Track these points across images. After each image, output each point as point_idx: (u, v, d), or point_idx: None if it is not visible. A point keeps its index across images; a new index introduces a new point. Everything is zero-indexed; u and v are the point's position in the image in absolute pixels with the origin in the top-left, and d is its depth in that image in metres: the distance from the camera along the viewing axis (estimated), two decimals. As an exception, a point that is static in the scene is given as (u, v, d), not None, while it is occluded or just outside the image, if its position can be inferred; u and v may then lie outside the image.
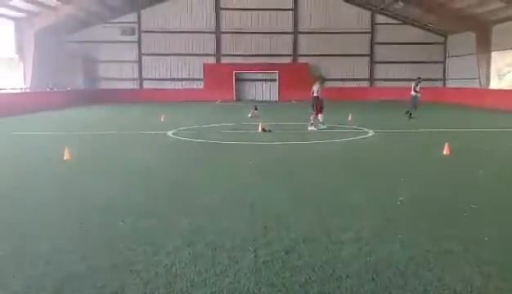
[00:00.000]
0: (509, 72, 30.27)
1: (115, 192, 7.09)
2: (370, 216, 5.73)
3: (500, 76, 30.78)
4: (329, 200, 6.54)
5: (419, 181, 7.86)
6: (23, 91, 28.03)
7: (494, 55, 30.70)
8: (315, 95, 15.66)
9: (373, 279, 3.90)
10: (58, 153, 10.11)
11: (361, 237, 4.94)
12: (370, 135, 14.34)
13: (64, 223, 5.50)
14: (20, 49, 29.21)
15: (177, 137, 13.75)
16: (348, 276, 3.96)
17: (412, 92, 20.36)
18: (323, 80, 16.39)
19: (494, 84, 31.03)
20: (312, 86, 15.91)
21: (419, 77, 21.15)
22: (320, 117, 15.63)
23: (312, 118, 15.73)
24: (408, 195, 6.69)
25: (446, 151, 10.30)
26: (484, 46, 30.81)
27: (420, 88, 20.45)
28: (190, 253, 4.48)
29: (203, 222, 5.49)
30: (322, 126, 15.55)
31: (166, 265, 4.21)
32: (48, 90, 29.94)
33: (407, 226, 5.31)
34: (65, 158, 9.73)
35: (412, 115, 19.69)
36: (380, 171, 8.76)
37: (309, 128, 15.50)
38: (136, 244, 4.74)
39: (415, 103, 20.23)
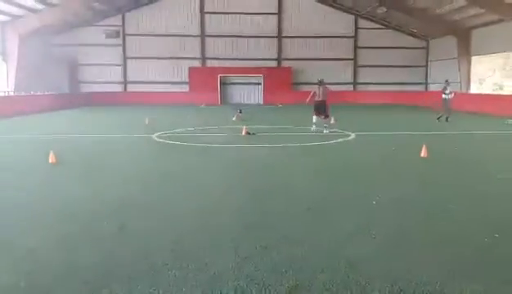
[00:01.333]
0: (489, 76, 30.88)
1: (100, 194, 7.23)
2: (345, 215, 5.99)
3: (481, 81, 31.39)
4: (307, 200, 6.76)
5: (395, 183, 8.15)
6: (6, 94, 27.85)
7: (474, 59, 31.34)
8: (321, 99, 16.01)
9: (345, 273, 4.13)
10: (42, 156, 10.20)
11: (336, 235, 5.19)
12: (351, 137, 14.64)
13: (47, 226, 5.65)
14: (3, 52, 29.06)
15: (162, 140, 13.88)
16: (322, 271, 4.19)
17: (443, 95, 20.54)
18: (322, 83, 16.65)
19: (475, 88, 31.64)
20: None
21: (447, 80, 21.22)
22: (315, 119, 15.97)
23: (324, 121, 16.15)
24: (383, 196, 6.95)
25: (423, 153, 10.60)
26: (465, 51, 31.46)
27: (451, 91, 20.49)
28: (172, 250, 4.68)
29: (185, 221, 5.69)
30: (313, 128, 15.87)
31: (149, 262, 4.39)
32: (32, 93, 29.77)
33: (381, 225, 5.57)
34: (50, 161, 9.81)
35: (449, 118, 20.08)
36: (357, 173, 9.03)
37: (324, 131, 15.77)
38: (120, 244, 4.92)
39: (447, 105, 20.45)
